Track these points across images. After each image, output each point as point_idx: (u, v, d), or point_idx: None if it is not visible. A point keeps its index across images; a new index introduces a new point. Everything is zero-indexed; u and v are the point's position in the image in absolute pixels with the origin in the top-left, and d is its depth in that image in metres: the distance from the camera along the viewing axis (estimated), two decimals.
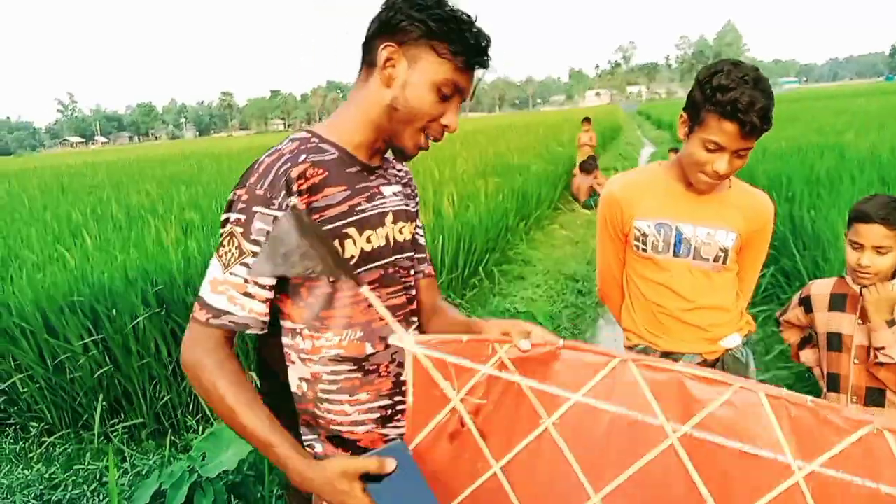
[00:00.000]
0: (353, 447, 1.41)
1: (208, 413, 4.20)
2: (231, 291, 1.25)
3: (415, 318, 1.56)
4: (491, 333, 1.30)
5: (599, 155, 15.05)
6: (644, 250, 2.10)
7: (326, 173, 1.33)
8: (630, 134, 30.00)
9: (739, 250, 2.07)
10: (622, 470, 1.17)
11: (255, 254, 1.23)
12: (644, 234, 2.08)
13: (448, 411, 1.22)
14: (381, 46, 1.32)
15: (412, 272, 1.56)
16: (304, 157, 1.31)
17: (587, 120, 14.31)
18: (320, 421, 1.40)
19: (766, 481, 1.08)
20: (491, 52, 1.37)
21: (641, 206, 2.08)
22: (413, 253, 1.56)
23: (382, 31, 1.33)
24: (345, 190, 1.36)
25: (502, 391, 1.22)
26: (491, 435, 1.24)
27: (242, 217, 1.25)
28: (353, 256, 1.37)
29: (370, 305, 1.29)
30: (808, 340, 2.51)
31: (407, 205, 1.54)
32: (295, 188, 1.27)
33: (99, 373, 4.11)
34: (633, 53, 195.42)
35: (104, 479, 3.57)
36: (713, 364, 2.12)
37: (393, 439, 1.44)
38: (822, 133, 12.35)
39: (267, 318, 1.31)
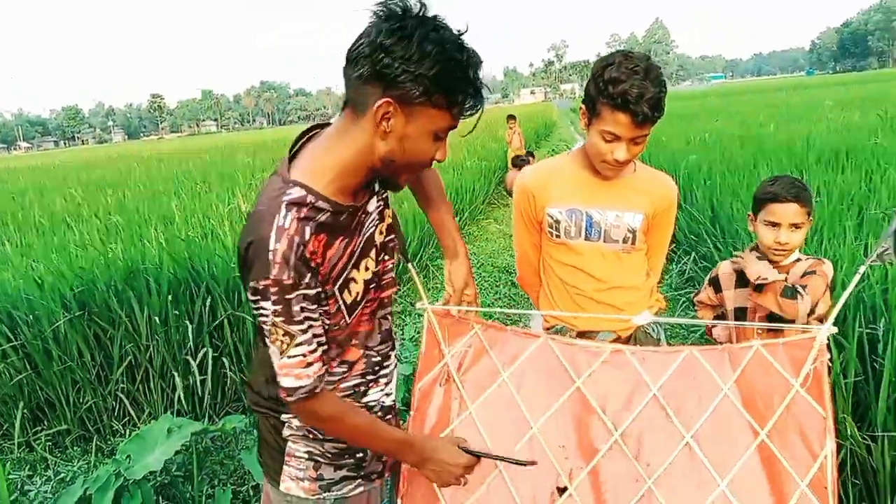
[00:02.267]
0: None
1: (134, 416, 4.12)
2: (295, 371, 1.38)
3: (385, 306, 1.65)
4: (455, 282, 1.82)
5: (534, 151, 15.16)
6: (557, 236, 2.16)
7: (326, 236, 1.36)
8: (563, 131, 30.43)
9: (647, 231, 2.15)
10: (549, 408, 1.65)
11: (303, 331, 1.35)
12: (557, 221, 2.14)
13: (442, 365, 1.77)
14: (378, 102, 1.26)
15: (390, 257, 1.63)
16: (308, 231, 1.31)
17: (512, 118, 14.03)
18: None
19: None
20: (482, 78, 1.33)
21: (552, 195, 2.14)
22: (392, 234, 1.64)
23: (377, 79, 1.25)
24: (342, 240, 1.41)
25: (474, 355, 1.77)
26: (467, 384, 1.75)
27: (280, 307, 1.31)
28: (357, 294, 1.48)
29: (367, 319, 1.57)
30: (721, 318, 2.62)
31: (381, 197, 1.57)
32: (313, 264, 1.33)
33: (17, 379, 3.99)
34: (565, 52, 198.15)
35: (26, 489, 3.47)
36: (626, 340, 2.20)
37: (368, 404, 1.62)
38: (745, 125, 12.78)
39: (325, 367, 1.45)
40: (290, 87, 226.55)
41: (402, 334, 5.17)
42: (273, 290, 1.29)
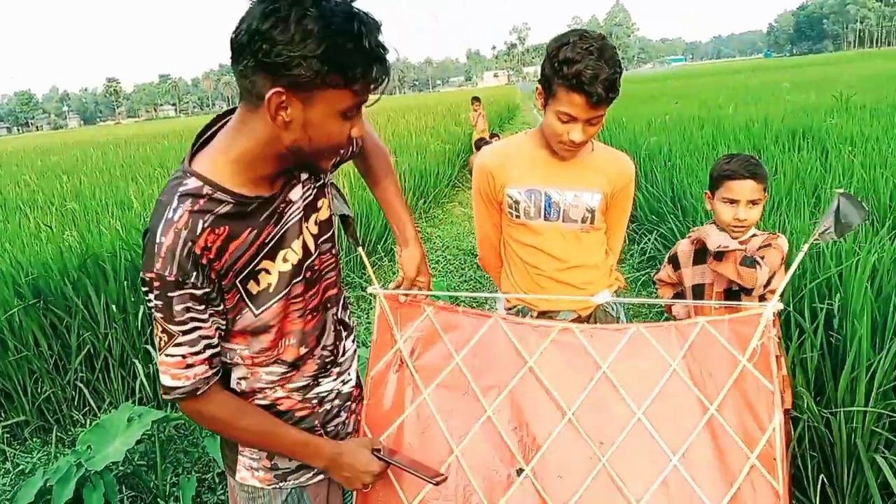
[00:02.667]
0: (274, 411, 1.52)
1: (94, 405, 4.05)
2: (172, 370, 1.30)
3: (332, 305, 1.59)
4: (407, 270, 1.79)
5: (499, 133, 15.16)
6: (517, 216, 2.16)
7: (227, 228, 1.27)
8: (527, 113, 30.50)
9: (605, 210, 2.16)
10: (502, 389, 1.65)
11: (184, 332, 1.27)
12: (516, 202, 2.14)
13: (394, 351, 1.74)
14: (269, 93, 1.15)
15: (334, 250, 1.56)
16: (201, 225, 1.23)
17: (476, 100, 13.79)
18: (251, 398, 1.50)
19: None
20: (386, 43, 1.21)
21: (511, 175, 2.14)
22: (331, 229, 1.54)
23: (262, 69, 1.14)
24: (250, 231, 1.31)
25: (427, 338, 1.74)
26: (420, 369, 1.72)
27: (161, 303, 1.24)
28: (269, 285, 1.38)
29: (300, 316, 1.47)
30: (681, 296, 2.66)
31: (314, 185, 1.48)
32: (204, 261, 1.24)
33: None
34: (527, 35, 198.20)
35: None
36: (587, 319, 2.22)
37: (309, 399, 1.57)
38: (705, 107, 12.93)
39: (214, 370, 1.37)
40: None
41: (369, 318, 5.17)
42: (156, 284, 1.22)
